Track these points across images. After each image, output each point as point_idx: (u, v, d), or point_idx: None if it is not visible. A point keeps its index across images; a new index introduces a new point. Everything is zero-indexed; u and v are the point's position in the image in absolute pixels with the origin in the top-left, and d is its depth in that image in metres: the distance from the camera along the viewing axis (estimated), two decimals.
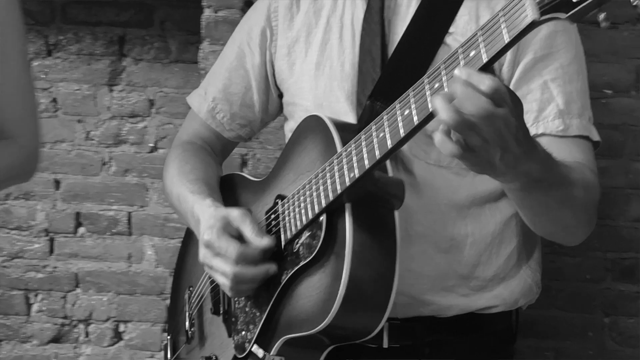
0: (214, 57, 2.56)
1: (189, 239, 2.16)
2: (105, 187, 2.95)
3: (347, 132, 1.73)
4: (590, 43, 2.25)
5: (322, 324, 1.68)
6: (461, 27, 1.83)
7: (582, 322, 2.68)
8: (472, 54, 1.40)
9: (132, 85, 2.91)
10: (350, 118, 1.86)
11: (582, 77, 1.86)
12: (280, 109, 2.09)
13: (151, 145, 2.93)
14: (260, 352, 1.82)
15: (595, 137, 1.84)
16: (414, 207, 1.79)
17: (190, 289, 2.12)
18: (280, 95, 2.06)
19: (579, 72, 1.85)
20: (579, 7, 1.27)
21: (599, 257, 2.66)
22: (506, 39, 1.35)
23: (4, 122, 1.90)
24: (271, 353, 1.80)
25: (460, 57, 1.42)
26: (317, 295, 1.71)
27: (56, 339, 3.01)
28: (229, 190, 1.99)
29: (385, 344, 1.76)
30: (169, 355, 2.18)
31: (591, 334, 2.68)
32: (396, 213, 1.69)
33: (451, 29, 1.82)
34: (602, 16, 1.27)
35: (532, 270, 1.99)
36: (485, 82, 1.38)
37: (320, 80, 1.93)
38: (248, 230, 1.78)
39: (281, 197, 1.83)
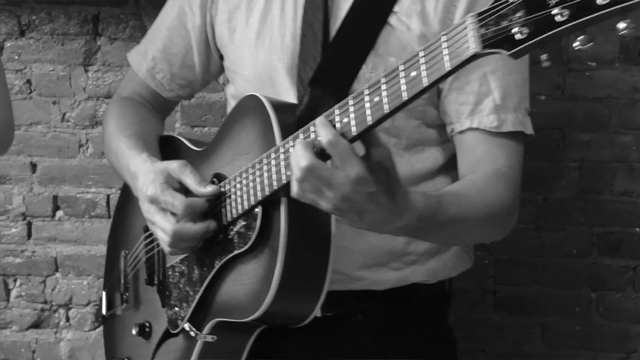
0: None
1: (126, 196, 2.15)
2: (83, 170, 2.92)
3: (287, 114, 1.74)
4: None
5: (254, 316, 1.71)
6: (405, 7, 1.81)
7: (569, 298, 2.69)
8: (412, 74, 1.42)
9: (108, 65, 2.88)
10: (290, 93, 1.85)
11: (523, 68, 1.86)
12: (221, 69, 2.07)
13: None
14: (192, 331, 1.85)
15: (529, 130, 1.86)
16: None
17: (125, 252, 2.13)
18: (222, 57, 2.03)
19: (519, 63, 1.84)
20: (520, 47, 1.29)
21: (585, 232, 2.66)
22: (447, 67, 1.37)
23: None
24: (203, 332, 1.83)
25: (401, 75, 1.43)
26: (249, 285, 1.74)
27: (36, 325, 2.99)
28: (166, 152, 1.99)
29: (319, 314, 1.76)
30: (104, 310, 2.20)
31: (578, 309, 2.69)
32: None
33: (396, 8, 1.81)
34: (544, 57, 1.29)
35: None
36: (328, 136, 1.48)
37: (261, 50, 1.91)
38: (190, 180, 1.79)
39: (218, 176, 1.82)
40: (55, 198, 2.94)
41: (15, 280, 2.98)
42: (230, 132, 1.86)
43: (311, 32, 1.84)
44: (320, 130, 1.51)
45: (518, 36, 1.28)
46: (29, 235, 2.96)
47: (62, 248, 2.95)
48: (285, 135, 1.67)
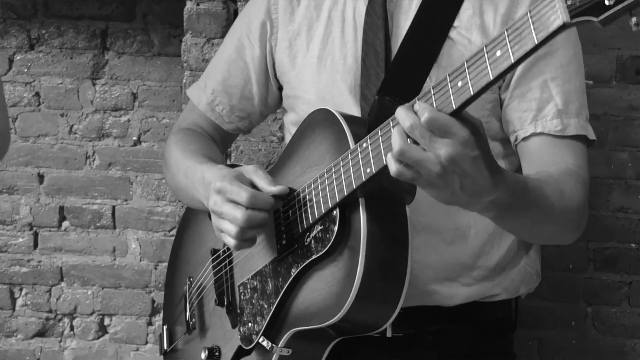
0: (196, 49, 2.56)
1: (185, 229, 2.15)
2: (89, 181, 2.95)
3: (357, 126, 1.74)
4: None
5: (335, 318, 1.68)
6: (465, 22, 1.84)
7: (565, 312, 2.69)
8: (498, 53, 1.40)
9: (115, 79, 2.90)
10: (354, 111, 1.86)
11: (581, 76, 1.88)
12: (279, 101, 2.08)
13: (134, 138, 2.93)
14: (267, 344, 1.82)
15: (592, 135, 1.87)
16: (419, 198, 1.78)
17: (190, 279, 2.11)
18: (280, 88, 2.06)
19: (577, 71, 1.87)
20: (610, 12, 1.26)
21: (582, 247, 2.66)
22: (535, 40, 1.35)
23: None
24: (279, 345, 1.80)
25: (486, 57, 1.42)
26: (329, 289, 1.72)
27: (41, 333, 3.01)
28: None
29: (389, 334, 1.77)
30: (165, 345, 2.17)
31: (574, 323, 2.69)
32: (407, 207, 1.70)
33: (455, 23, 1.83)
34: (633, 20, 1.26)
35: (532, 260, 2.01)
36: (427, 112, 1.44)
37: (323, 73, 1.93)
38: (260, 180, 1.78)
39: (290, 190, 1.82)
40: (61, 209, 2.96)
41: (21, 289, 3.00)
42: (298, 148, 1.87)
43: (373, 52, 1.86)
44: (419, 107, 1.46)
45: (607, 2, 1.25)
46: (35, 245, 2.98)
47: (67, 258, 2.97)
48: (357, 141, 1.66)
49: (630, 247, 2.65)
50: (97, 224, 2.95)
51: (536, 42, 1.35)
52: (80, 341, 3.00)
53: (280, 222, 1.83)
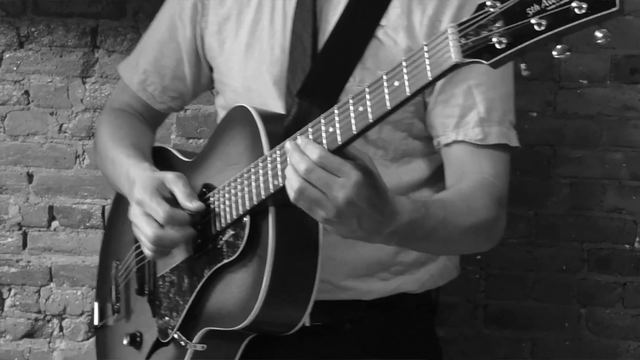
0: None
1: (118, 207, 2.17)
2: (79, 181, 2.93)
3: (275, 125, 1.76)
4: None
5: (243, 324, 1.72)
6: (392, 21, 1.83)
7: (559, 313, 2.69)
8: (396, 84, 1.43)
9: (105, 77, 2.89)
10: (278, 104, 1.87)
11: (507, 81, 1.88)
12: (212, 80, 2.08)
13: None
14: (182, 340, 1.86)
15: (514, 142, 1.88)
16: None
17: (117, 262, 2.14)
18: (212, 69, 2.05)
19: (503, 77, 1.86)
20: (501, 56, 1.30)
21: (575, 248, 2.67)
22: (429, 76, 1.38)
23: None
24: (193, 341, 1.84)
25: (384, 85, 1.45)
26: (238, 294, 1.75)
27: (30, 334, 2.99)
28: (158, 163, 2.00)
29: (308, 323, 1.78)
30: (96, 321, 2.22)
31: (567, 324, 2.69)
32: None
33: (383, 22, 1.83)
34: (523, 66, 1.31)
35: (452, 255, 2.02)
36: (315, 153, 1.49)
37: (250, 62, 1.93)
38: (179, 193, 1.81)
39: (208, 186, 1.84)
40: (51, 208, 2.95)
41: (9, 290, 2.98)
42: (219, 142, 1.88)
43: (300, 45, 1.86)
44: (307, 148, 1.52)
45: (497, 46, 1.29)
46: (24, 245, 2.97)
47: (57, 258, 2.96)
48: (273, 145, 1.68)
49: (624, 248, 2.66)
50: (87, 224, 2.94)
51: (429, 79, 1.39)
52: (69, 342, 2.98)
53: (198, 220, 1.84)
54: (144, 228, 1.82)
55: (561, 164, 2.66)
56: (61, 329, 2.99)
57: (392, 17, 1.83)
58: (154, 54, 2.10)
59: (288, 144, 1.55)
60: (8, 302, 2.99)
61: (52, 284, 2.97)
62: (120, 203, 2.11)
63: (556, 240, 2.68)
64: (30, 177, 2.94)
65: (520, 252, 2.69)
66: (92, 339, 2.97)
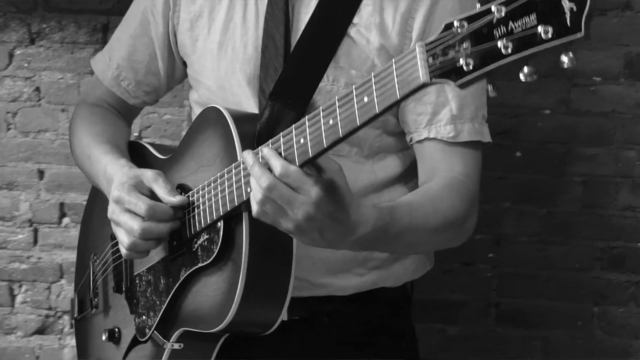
0: None
1: (94, 199, 2.17)
2: None
3: (248, 126, 1.76)
4: None
5: (218, 327, 1.74)
6: (365, 19, 1.82)
7: (571, 312, 2.68)
8: (365, 99, 1.43)
9: None
10: (252, 103, 1.87)
11: None
12: (185, 74, 2.08)
13: (136, 134, 2.91)
14: (159, 339, 1.87)
15: (486, 138, 1.88)
16: None
17: (94, 257, 2.14)
18: (185, 64, 2.04)
19: None
20: (468, 77, 1.30)
21: (588, 246, 2.66)
22: (398, 95, 1.39)
23: None
24: (170, 340, 1.85)
25: (354, 100, 1.45)
26: (214, 297, 1.76)
27: (41, 331, 2.99)
28: (133, 160, 1.99)
29: (285, 317, 1.78)
30: (75, 313, 2.22)
31: (580, 323, 2.69)
32: None
33: (355, 20, 1.82)
34: (489, 87, 1.32)
35: None
36: (277, 169, 1.52)
37: (223, 60, 1.92)
38: (160, 189, 1.80)
39: (182, 187, 1.84)
40: (61, 205, 2.95)
41: (20, 286, 2.98)
42: (193, 142, 1.88)
43: (272, 44, 1.85)
44: (270, 161, 1.55)
45: (465, 67, 1.30)
46: (35, 241, 2.97)
47: (67, 255, 2.96)
48: (245, 148, 1.68)
49: (638, 247, 2.66)
50: None
51: (398, 98, 1.39)
52: None
53: (180, 215, 1.84)
54: (128, 223, 1.80)
55: (574, 161, 2.65)
56: (72, 325, 2.98)
57: (364, 15, 1.82)
58: (127, 48, 2.08)
59: (250, 158, 1.58)
60: (19, 299, 2.99)
61: (62, 281, 2.97)
62: (97, 196, 2.11)
63: (569, 239, 2.67)
64: (41, 173, 2.94)
65: (533, 251, 2.69)
66: None
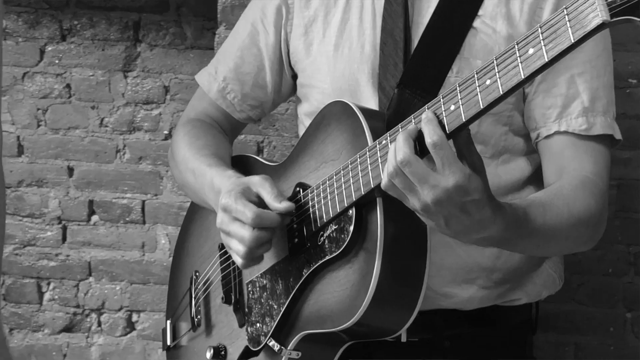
0: None
1: (191, 220, 2.12)
2: (119, 175, 2.94)
3: (375, 120, 1.70)
4: (615, 31, 2.21)
5: (348, 323, 1.65)
6: (490, 10, 1.80)
7: (603, 317, 2.66)
8: (530, 51, 1.37)
9: (147, 72, 2.89)
10: (372, 102, 1.83)
11: (609, 71, 1.83)
12: (293, 90, 2.04)
13: (166, 132, 2.92)
14: (276, 347, 1.78)
15: (618, 135, 1.82)
16: None
17: (197, 273, 2.07)
18: (294, 77, 2.01)
19: (606, 66, 1.82)
20: None
21: (622, 251, 2.64)
22: (572, 39, 1.32)
23: None
24: (288, 348, 1.76)
25: (517, 54, 1.39)
26: (342, 292, 1.68)
27: (68, 328, 3.00)
28: (241, 171, 1.93)
29: (404, 338, 1.72)
30: (168, 341, 2.13)
31: (612, 329, 2.66)
32: None
33: (480, 12, 1.79)
34: None
35: (554, 263, 1.97)
36: (434, 137, 1.46)
37: (339, 62, 1.89)
38: (267, 194, 1.74)
39: (302, 185, 1.79)
40: (90, 202, 2.95)
41: (48, 284, 2.99)
42: (312, 141, 1.83)
43: (392, 40, 1.82)
44: (426, 127, 1.48)
45: None
46: (64, 239, 2.98)
47: (96, 253, 2.96)
48: (376, 138, 1.63)
49: None
50: (127, 219, 2.94)
51: (572, 41, 1.32)
52: (107, 337, 2.99)
53: (293, 219, 1.78)
54: (239, 233, 1.74)
55: None
56: (99, 323, 2.99)
57: (489, 6, 1.79)
58: (234, 60, 2.04)
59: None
60: (47, 296, 3.00)
61: (91, 279, 2.98)
62: (195, 214, 2.06)
63: (602, 243, 2.63)
64: (70, 170, 2.95)
65: (566, 255, 2.66)
66: (129, 335, 2.97)
